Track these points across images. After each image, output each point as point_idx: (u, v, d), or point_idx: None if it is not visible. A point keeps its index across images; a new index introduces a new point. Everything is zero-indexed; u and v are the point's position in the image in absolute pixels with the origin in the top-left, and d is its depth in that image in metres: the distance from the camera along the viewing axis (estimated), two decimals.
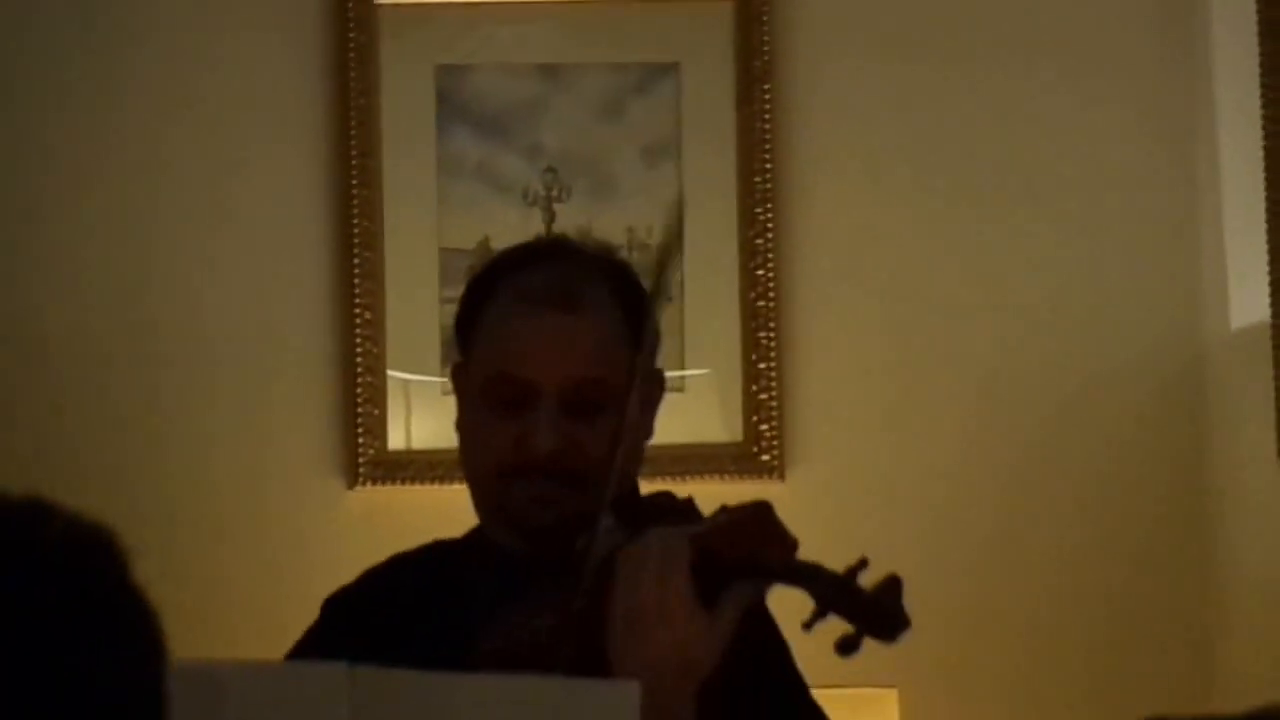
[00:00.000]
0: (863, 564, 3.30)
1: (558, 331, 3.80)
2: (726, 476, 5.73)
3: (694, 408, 5.87)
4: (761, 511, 3.34)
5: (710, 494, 4.27)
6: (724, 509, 3.56)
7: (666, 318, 5.02)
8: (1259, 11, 5.75)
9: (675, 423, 5.02)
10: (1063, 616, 5.79)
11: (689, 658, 3.31)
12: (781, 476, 5.82)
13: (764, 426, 5.84)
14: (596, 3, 5.97)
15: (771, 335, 5.92)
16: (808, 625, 3.33)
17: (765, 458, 5.82)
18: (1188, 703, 5.51)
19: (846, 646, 3.31)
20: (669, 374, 4.35)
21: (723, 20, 6.05)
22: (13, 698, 1.92)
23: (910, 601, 4.81)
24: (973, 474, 5.97)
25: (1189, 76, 6.31)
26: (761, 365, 5.89)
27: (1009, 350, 6.03)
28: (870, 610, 3.34)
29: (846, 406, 5.98)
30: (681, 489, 4.01)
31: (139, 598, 1.91)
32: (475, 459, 3.89)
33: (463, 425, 3.93)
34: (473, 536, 3.98)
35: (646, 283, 3.78)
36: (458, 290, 4.39)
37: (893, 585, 3.30)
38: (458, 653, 3.45)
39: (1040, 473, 5.96)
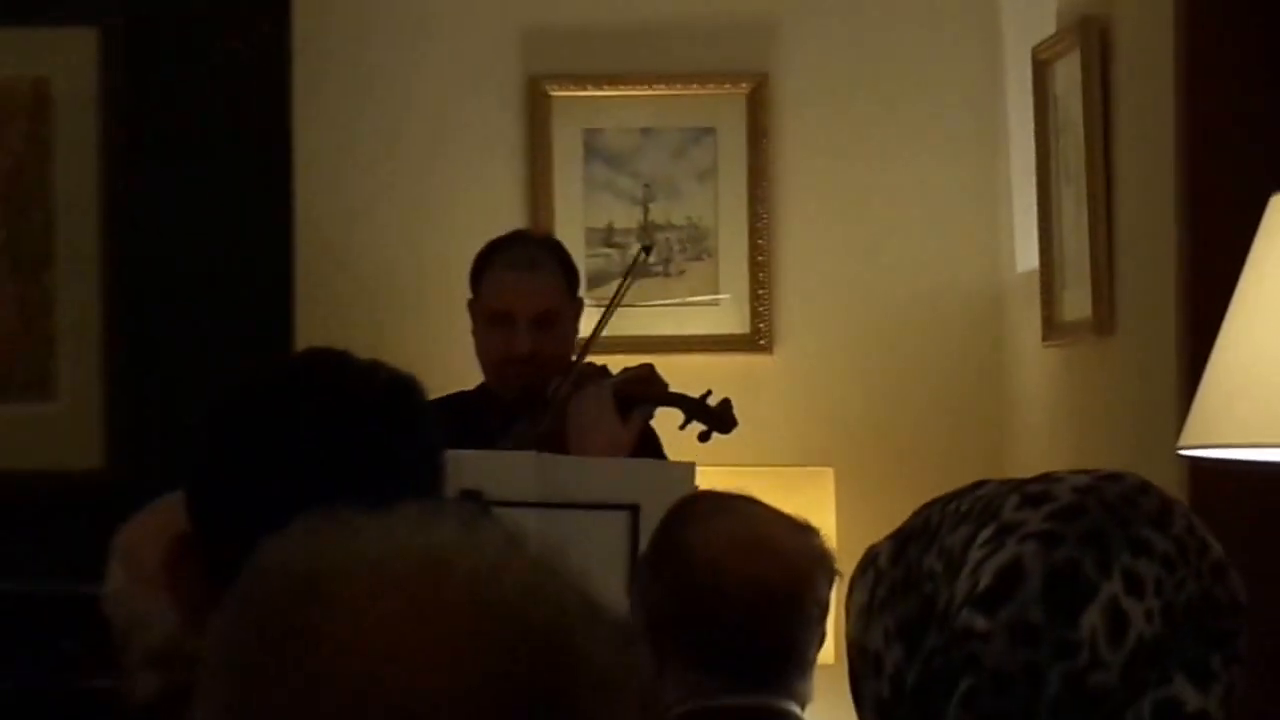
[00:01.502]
0: (708, 393, 5.60)
1: (526, 283, 5.86)
2: (739, 353, 7.05)
3: (721, 315, 7.17)
4: (647, 368, 5.65)
5: (732, 364, 6.71)
6: (625, 369, 5.73)
7: (705, 264, 7.18)
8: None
9: (710, 322, 7.14)
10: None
11: (616, 446, 5.39)
12: (770, 353, 7.16)
13: (760, 324, 7.13)
14: (666, 96, 7.12)
15: (764, 273, 7.15)
16: (681, 427, 5.69)
17: (761, 342, 7.17)
18: None
19: (702, 438, 5.69)
20: (710, 296, 7.07)
21: (739, 101, 7.15)
22: (382, 462, 2.70)
23: (845, 408, 6.79)
24: (870, 351, 6.99)
25: (994, 93, 7.09)
26: (760, 292, 7.14)
27: (915, 267, 7.23)
28: (714, 416, 5.62)
29: (812, 313, 7.24)
30: (715, 361, 6.68)
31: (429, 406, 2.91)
32: (484, 354, 5.92)
33: (476, 335, 5.94)
34: (481, 389, 5.94)
35: (574, 257, 6.03)
36: (598, 250, 7.03)
37: (726, 401, 5.60)
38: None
39: (905, 345, 7.10)
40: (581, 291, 6.13)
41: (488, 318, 5.81)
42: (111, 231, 6.69)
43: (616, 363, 5.86)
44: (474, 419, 5.51)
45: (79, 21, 6.60)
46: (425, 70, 7.05)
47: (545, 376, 5.69)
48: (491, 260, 5.90)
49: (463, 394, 5.74)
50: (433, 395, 2.95)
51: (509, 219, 6.84)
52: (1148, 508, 2.29)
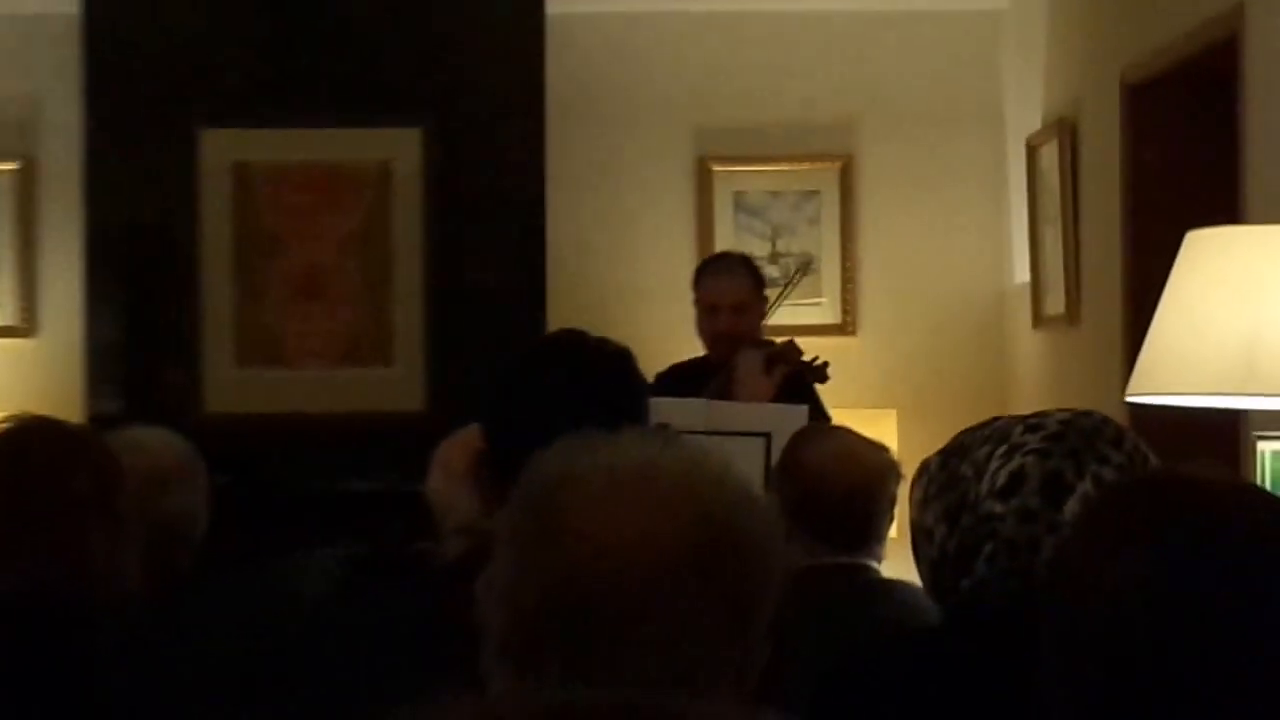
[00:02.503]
0: (815, 358, 5.37)
1: (725, 283, 5.66)
2: (835, 336, 6.77)
3: (824, 311, 6.96)
4: (789, 342, 5.42)
5: (830, 342, 6.28)
6: (777, 342, 5.51)
7: (812, 279, 6.91)
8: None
9: (817, 315, 6.91)
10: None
11: (759, 395, 5.14)
12: (855, 335, 6.97)
13: (848, 317, 6.97)
14: (786, 170, 6.95)
15: (850, 284, 6.97)
16: (797, 378, 5.35)
17: (849, 328, 6.98)
18: None
19: (817, 379, 5.41)
20: (816, 300, 6.83)
21: (834, 172, 6.93)
22: (609, 402, 2.63)
23: (902, 372, 6.70)
24: (919, 334, 6.82)
25: (1001, 167, 6.85)
26: (847, 296, 6.95)
27: (950, 280, 7.00)
28: (817, 373, 5.43)
29: (881, 310, 7.03)
30: (820, 341, 6.08)
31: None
32: (701, 332, 5.67)
33: (697, 320, 5.68)
34: (705, 357, 5.66)
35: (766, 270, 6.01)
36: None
37: (825, 364, 5.37)
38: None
39: (943, 330, 6.90)
40: None
41: (702, 307, 5.68)
42: (431, 264, 6.62)
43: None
44: (696, 376, 5.41)
45: (409, 124, 6.55)
46: (634, 154, 6.92)
47: (740, 348, 5.53)
48: (705, 269, 5.83)
49: (694, 360, 5.65)
50: (643, 364, 2.89)
51: (687, 250, 6.82)
52: (1108, 434, 2.30)
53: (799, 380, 5.36)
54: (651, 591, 1.67)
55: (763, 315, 5.72)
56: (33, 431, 2.50)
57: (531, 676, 1.58)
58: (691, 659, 1.64)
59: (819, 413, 5.08)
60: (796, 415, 4.50)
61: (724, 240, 6.79)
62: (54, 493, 2.41)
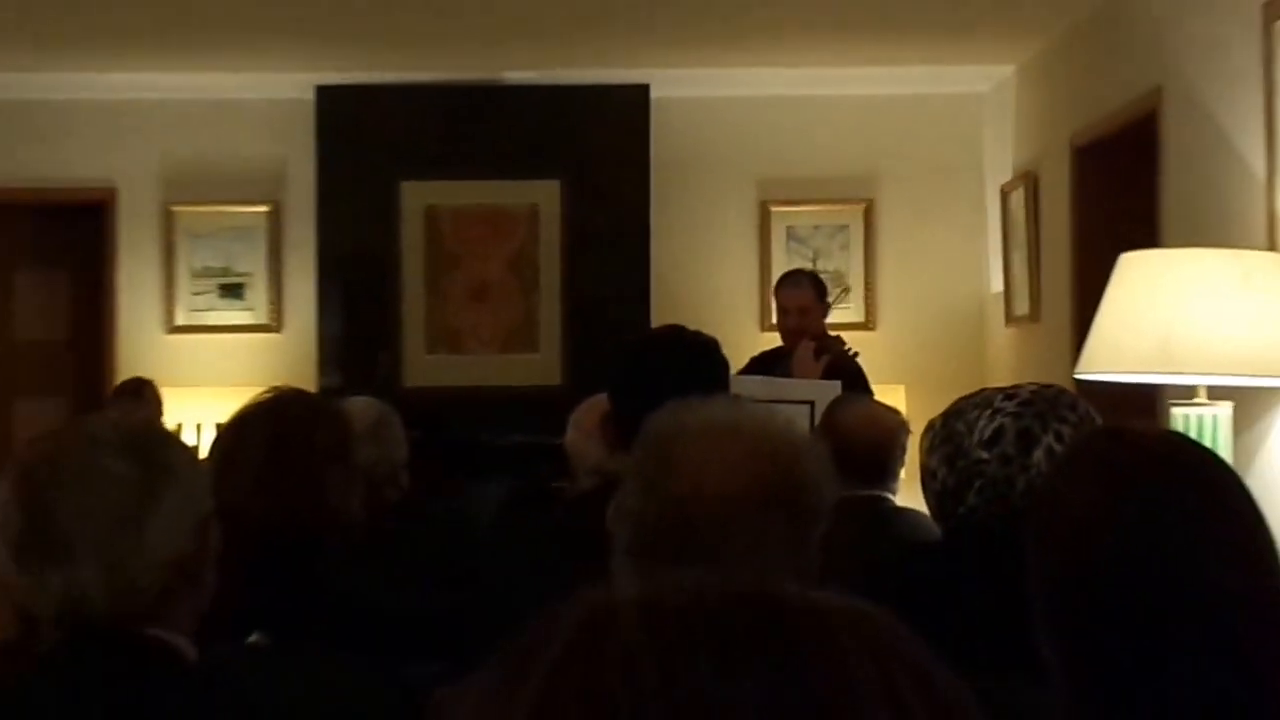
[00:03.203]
0: (848, 347, 5.18)
1: (795, 292, 5.42)
2: (860, 330, 6.38)
3: (852, 313, 6.63)
4: (835, 337, 5.23)
5: (856, 336, 5.79)
6: (825, 336, 5.24)
7: (859, 292, 6.59)
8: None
9: (847, 315, 6.50)
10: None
11: (809, 374, 4.84)
12: (875, 330, 6.66)
13: (870, 317, 6.68)
14: (825, 209, 6.70)
15: (870, 293, 6.71)
16: (836, 357, 5.08)
17: (871, 325, 6.65)
18: None
19: (850, 363, 5.12)
20: (846, 305, 6.45)
21: (860, 212, 6.69)
22: (703, 377, 2.51)
23: (910, 356, 6.36)
24: (922, 329, 6.53)
25: (981, 208, 6.57)
26: (869, 302, 6.67)
27: (944, 290, 6.73)
28: (851, 359, 5.17)
29: (894, 311, 6.72)
30: (850, 335, 5.69)
31: None
32: (779, 328, 5.46)
33: (777, 318, 5.52)
34: (779, 347, 5.38)
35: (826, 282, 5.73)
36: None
37: (856, 352, 5.15)
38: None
39: (938, 325, 6.66)
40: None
41: (779, 309, 5.56)
42: (566, 279, 6.56)
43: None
44: (776, 360, 5.23)
45: (551, 178, 6.47)
46: (713, 198, 6.73)
47: (797, 341, 5.40)
48: (781, 282, 5.67)
49: (775, 348, 5.44)
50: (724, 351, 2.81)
51: (753, 268, 6.70)
52: (1065, 401, 2.27)
53: (853, 364, 5.22)
54: (736, 512, 1.67)
55: (825, 315, 5.53)
56: (285, 398, 2.44)
57: (648, 574, 1.61)
58: (766, 562, 1.63)
59: (864, 388, 4.87)
60: (832, 389, 4.39)
61: (778, 261, 6.62)
62: (301, 444, 2.34)
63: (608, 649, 0.63)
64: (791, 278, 5.62)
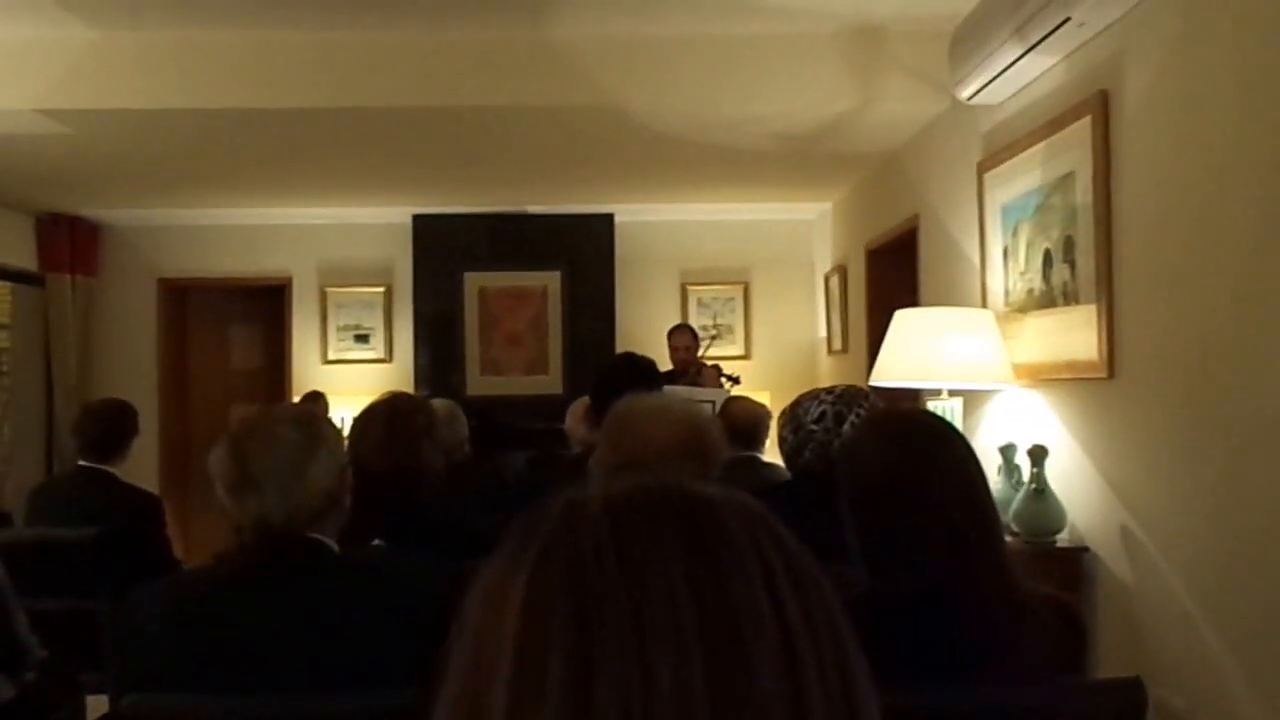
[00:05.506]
0: (723, 373, 4.67)
1: (681, 337, 5.05)
2: (741, 360, 6.14)
3: (735, 348, 6.28)
4: (716, 365, 4.76)
5: (740, 364, 5.73)
6: (709, 364, 4.74)
7: (741, 336, 6.18)
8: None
9: (732, 350, 6.16)
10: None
11: (714, 384, 4.49)
12: (751, 359, 6.28)
13: (747, 350, 6.27)
14: (715, 285, 6.29)
15: (748, 338, 6.27)
16: (727, 377, 4.66)
17: (749, 356, 6.25)
18: None
19: (733, 382, 4.74)
20: (729, 345, 6.05)
21: (740, 291, 6.40)
22: (645, 380, 2.37)
23: (776, 371, 5.79)
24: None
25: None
26: (747, 343, 6.23)
27: (791, 334, 6.23)
28: (732, 380, 4.77)
29: (764, 349, 6.28)
30: (736, 361, 5.71)
31: None
32: (670, 358, 4.96)
33: (669, 353, 4.94)
34: (671, 370, 4.84)
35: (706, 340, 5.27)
36: (703, 332, 5.85)
37: (737, 378, 4.72)
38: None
39: (787, 359, 6.20)
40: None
41: (670, 347, 5.31)
42: (565, 331, 6.10)
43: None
44: (670, 378, 4.68)
45: (554, 269, 6.03)
46: (652, 281, 6.33)
47: (687, 369, 5.17)
48: (672, 331, 5.42)
49: (669, 370, 4.94)
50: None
51: (675, 320, 6.11)
52: (862, 394, 2.21)
53: (735, 381, 5.04)
54: (667, 462, 1.63)
55: (698, 350, 5.16)
56: (396, 398, 2.32)
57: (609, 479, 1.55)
58: None
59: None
60: (724, 394, 4.25)
61: (693, 318, 6.28)
62: (407, 424, 2.21)
63: (581, 525, 0.58)
64: (679, 328, 5.24)
